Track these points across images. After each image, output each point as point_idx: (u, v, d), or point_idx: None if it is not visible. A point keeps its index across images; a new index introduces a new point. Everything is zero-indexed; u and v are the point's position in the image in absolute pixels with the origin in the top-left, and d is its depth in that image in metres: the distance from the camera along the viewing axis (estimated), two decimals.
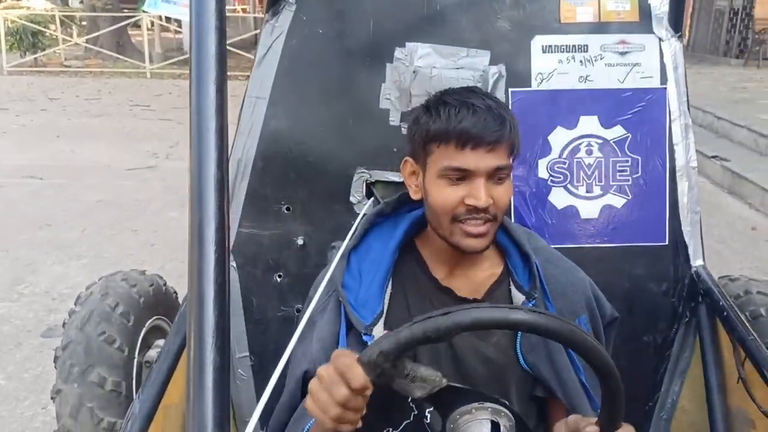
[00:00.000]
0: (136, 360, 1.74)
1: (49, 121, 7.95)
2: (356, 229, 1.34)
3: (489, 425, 0.90)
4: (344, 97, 1.62)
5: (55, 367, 1.68)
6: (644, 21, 1.62)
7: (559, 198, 1.61)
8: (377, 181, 1.61)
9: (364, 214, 1.47)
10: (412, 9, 1.60)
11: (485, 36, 1.60)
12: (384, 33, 1.60)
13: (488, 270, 1.28)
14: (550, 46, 1.61)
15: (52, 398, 1.65)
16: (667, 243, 1.62)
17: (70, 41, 13.66)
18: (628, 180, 1.61)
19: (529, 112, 1.60)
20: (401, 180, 1.57)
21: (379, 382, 0.86)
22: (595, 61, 1.61)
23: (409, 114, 1.59)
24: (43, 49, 12.96)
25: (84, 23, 15.52)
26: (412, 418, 1.11)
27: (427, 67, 1.58)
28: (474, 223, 1.16)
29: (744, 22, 13.91)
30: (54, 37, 13.31)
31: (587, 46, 1.61)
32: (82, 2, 24.25)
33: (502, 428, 0.92)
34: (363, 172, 1.61)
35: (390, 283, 1.24)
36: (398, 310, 1.21)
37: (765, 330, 1.72)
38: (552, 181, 1.61)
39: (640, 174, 1.61)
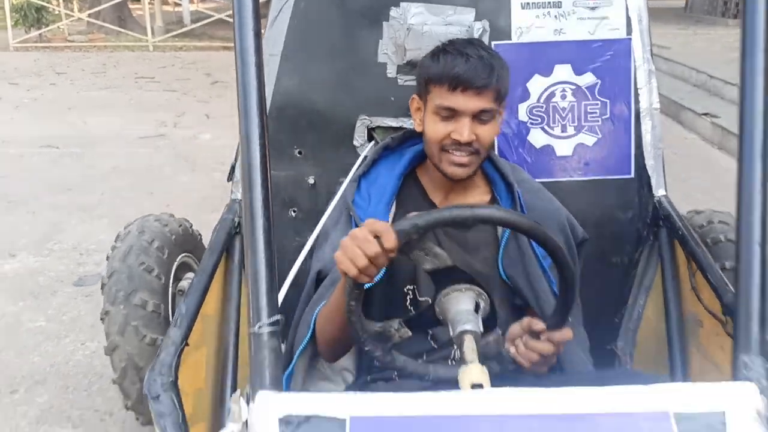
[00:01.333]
0: (170, 289, 1.99)
1: (59, 94, 8.14)
2: (365, 158, 1.58)
3: (472, 302, 1.14)
4: (346, 53, 1.83)
5: (102, 294, 1.93)
6: None
7: (537, 138, 1.83)
8: (377, 127, 1.84)
9: (365, 156, 1.70)
10: None
11: None
12: None
13: (478, 197, 1.51)
14: (528, 3, 1.82)
15: (101, 319, 1.89)
16: (633, 176, 1.84)
17: (73, 16, 13.76)
18: (598, 121, 1.83)
19: (510, 62, 1.79)
20: (398, 125, 1.81)
21: (404, 249, 1.09)
22: (568, 15, 1.82)
23: (405, 66, 1.82)
24: (47, 25, 13.09)
25: None
26: (409, 302, 1.36)
27: (419, 24, 1.79)
28: (458, 154, 1.39)
29: None
30: (57, 12, 13.43)
31: (561, 2, 1.82)
32: None
33: (480, 309, 1.16)
34: (365, 119, 1.83)
35: (394, 204, 1.47)
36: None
37: (724, 253, 1.95)
38: (531, 123, 1.83)
39: (608, 116, 1.83)
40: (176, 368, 1.25)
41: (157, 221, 2.08)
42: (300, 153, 1.86)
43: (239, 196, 1.85)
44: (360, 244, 1.10)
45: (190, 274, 2.06)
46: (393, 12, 1.81)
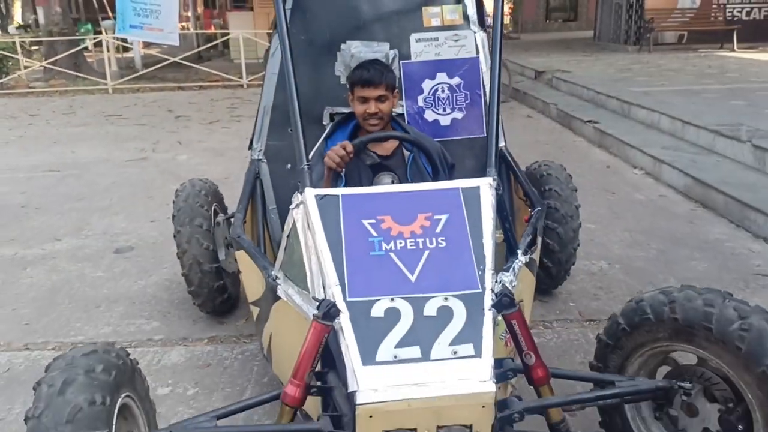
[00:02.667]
0: (213, 220, 3.22)
1: (40, 132, 9.17)
2: (329, 128, 2.88)
3: (389, 178, 2.42)
4: (317, 69, 3.13)
5: (173, 222, 3.14)
6: (465, 23, 3.19)
7: (429, 115, 3.16)
8: (336, 113, 3.13)
9: (329, 128, 3.00)
10: (349, 24, 3.13)
11: (387, 35, 3.15)
12: (335, 36, 3.12)
13: (392, 144, 2.81)
14: (419, 39, 3.16)
15: (174, 236, 3.10)
16: (485, 134, 3.18)
17: (36, 65, 14.69)
18: (463, 105, 3.18)
19: (411, 72, 3.14)
20: (348, 111, 3.12)
21: (356, 153, 2.38)
22: (443, 45, 3.17)
23: (349, 76, 3.13)
24: (7, 74, 14.02)
25: (40, 48, 16.59)
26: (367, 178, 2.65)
27: (357, 52, 3.11)
28: (371, 120, 2.69)
29: (638, 13, 15.88)
30: (17, 61, 14.36)
31: (438, 37, 3.17)
32: (26, 29, 24.93)
33: (394, 181, 2.44)
34: (329, 108, 3.13)
35: None
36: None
37: (537, 175, 3.31)
38: (425, 107, 3.16)
39: (469, 101, 3.18)
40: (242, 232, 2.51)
41: (200, 181, 3.33)
42: (290, 130, 3.14)
43: (257, 156, 3.11)
44: (336, 151, 2.39)
45: (221, 216, 3.30)
46: (342, 46, 3.13)
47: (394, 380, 1.70)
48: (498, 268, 2.01)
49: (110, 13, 28.81)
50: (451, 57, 3.18)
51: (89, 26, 21.77)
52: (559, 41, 19.45)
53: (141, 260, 4.20)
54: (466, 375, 1.71)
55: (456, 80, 3.18)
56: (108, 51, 14.21)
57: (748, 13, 13.90)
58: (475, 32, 3.19)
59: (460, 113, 3.18)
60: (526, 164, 3.56)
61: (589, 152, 6.97)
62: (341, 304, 1.81)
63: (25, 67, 14.68)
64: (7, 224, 5.03)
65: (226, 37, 18.19)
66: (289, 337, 2.19)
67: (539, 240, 2.69)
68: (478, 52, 3.19)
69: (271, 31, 3.30)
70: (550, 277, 3.34)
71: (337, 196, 2.05)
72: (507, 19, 24.33)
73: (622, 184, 5.68)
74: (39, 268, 4.12)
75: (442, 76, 3.17)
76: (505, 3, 2.79)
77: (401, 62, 3.15)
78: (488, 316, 1.81)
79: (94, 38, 15.06)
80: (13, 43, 14.94)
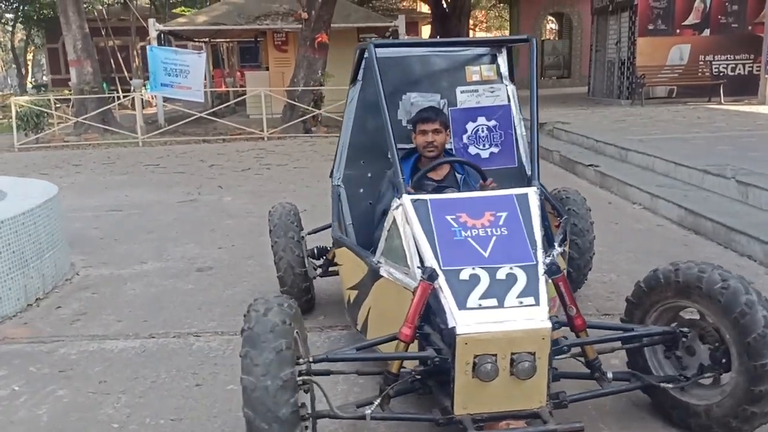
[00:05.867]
0: (300, 232, 4.02)
1: (89, 179, 10.04)
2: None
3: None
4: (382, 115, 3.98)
5: (270, 235, 3.93)
6: (499, 78, 4.06)
7: (472, 150, 4.00)
8: (399, 148, 3.96)
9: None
10: (408, 79, 3.99)
11: (438, 88, 4.01)
12: (397, 89, 3.98)
13: (444, 170, 3.63)
14: (463, 90, 4.03)
15: (272, 246, 3.89)
16: (516, 165, 4.01)
17: (71, 120, 15.68)
18: (498, 142, 4.02)
19: (458, 116, 3.99)
20: (408, 147, 3.96)
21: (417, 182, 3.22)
22: (482, 95, 4.03)
23: (410, 121, 3.99)
24: (43, 129, 15.01)
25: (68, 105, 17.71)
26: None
27: (415, 101, 3.97)
28: (429, 148, 3.52)
29: (630, 69, 17.00)
30: (53, 117, 15.39)
31: (478, 89, 4.04)
32: (41, 88, 26.12)
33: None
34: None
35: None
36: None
37: (564, 198, 4.13)
38: (468, 143, 4.00)
39: (503, 139, 4.02)
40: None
41: (287, 203, 4.15)
42: (363, 162, 3.97)
43: (336, 182, 3.92)
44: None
45: (304, 231, 4.10)
46: (404, 97, 3.99)
47: (481, 319, 2.47)
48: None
49: (126, 73, 30.21)
50: (488, 104, 4.04)
51: (104, 85, 23.03)
52: (555, 96, 20.59)
53: (222, 276, 4.98)
54: (530, 316, 2.49)
55: (493, 122, 4.02)
56: (143, 107, 15.20)
57: (733, 69, 15.03)
58: (506, 85, 4.06)
59: (496, 148, 4.02)
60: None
61: (592, 191, 7.82)
62: (438, 271, 2.59)
63: (58, 123, 15.70)
64: (95, 251, 5.80)
65: (242, 96, 19.30)
66: (388, 306, 2.97)
67: (568, 238, 3.49)
68: (509, 100, 4.05)
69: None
70: (571, 280, 4.12)
71: (426, 200, 2.86)
72: None
73: (623, 217, 6.51)
74: (137, 283, 4.89)
75: (481, 119, 4.01)
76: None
77: (449, 109, 4.00)
78: (542, 279, 2.60)
79: (126, 95, 16.08)
80: (48, 100, 15.98)
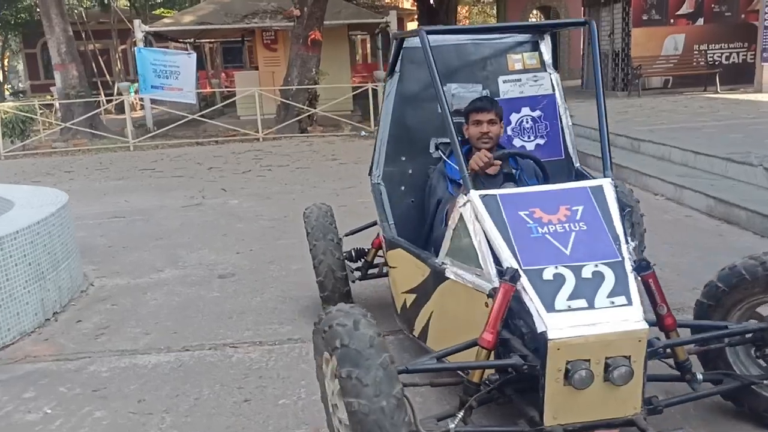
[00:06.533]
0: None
1: (84, 186, 9.71)
2: (447, 154, 3.50)
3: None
4: (424, 107, 3.78)
5: (307, 238, 3.71)
6: (542, 66, 3.87)
7: (516, 142, 3.80)
8: (440, 142, 3.77)
9: (438, 153, 3.63)
10: (448, 69, 3.78)
11: (479, 78, 3.80)
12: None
13: (498, 163, 3.44)
14: (506, 80, 3.83)
15: (310, 250, 3.67)
16: (563, 157, 3.82)
17: (58, 125, 15.28)
18: (544, 133, 3.82)
19: (502, 107, 3.79)
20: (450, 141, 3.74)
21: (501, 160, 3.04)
22: (525, 84, 3.84)
23: (453, 113, 3.78)
24: (29, 136, 14.60)
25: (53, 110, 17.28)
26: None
27: (456, 92, 3.77)
28: (483, 139, 3.32)
29: (624, 61, 16.91)
30: (39, 123, 14.98)
31: (521, 78, 3.84)
32: (19, 95, 25.58)
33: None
34: (434, 139, 3.76)
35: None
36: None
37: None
38: (513, 135, 3.80)
39: (549, 130, 3.83)
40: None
41: (323, 204, 3.93)
42: (403, 158, 3.76)
43: (376, 180, 3.70)
44: (481, 158, 3.01)
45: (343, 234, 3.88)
46: (443, 88, 3.77)
47: (572, 322, 2.28)
48: None
49: (108, 76, 29.71)
50: (532, 94, 3.84)
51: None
52: None
53: (246, 282, 4.74)
54: (625, 317, 2.30)
55: (537, 113, 3.83)
56: (133, 110, 14.85)
57: (728, 58, 15.01)
58: (550, 74, 3.87)
59: (542, 140, 3.83)
60: None
61: None
62: (520, 271, 2.39)
63: (44, 129, 15.30)
64: (105, 260, 5.54)
65: (231, 98, 18.92)
66: (454, 310, 2.77)
67: (637, 231, 3.31)
68: (553, 89, 3.86)
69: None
70: None
71: (495, 195, 2.66)
72: None
73: (649, 208, 6.32)
74: (158, 293, 4.64)
75: (525, 110, 3.82)
76: None
77: None
78: (632, 276, 2.41)
79: (116, 99, 15.71)
80: (33, 106, 15.57)
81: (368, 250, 3.97)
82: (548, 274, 2.41)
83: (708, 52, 15.03)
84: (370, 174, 3.81)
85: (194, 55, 15.30)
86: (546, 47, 3.89)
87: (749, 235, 5.23)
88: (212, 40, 24.29)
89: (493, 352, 2.46)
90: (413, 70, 3.78)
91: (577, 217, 2.60)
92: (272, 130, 14.30)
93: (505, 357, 2.44)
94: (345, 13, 17.63)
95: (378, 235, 3.93)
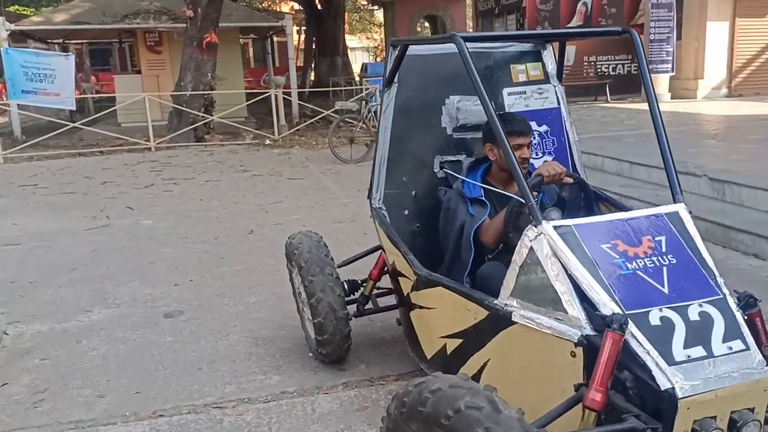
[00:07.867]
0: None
1: None
2: (464, 173, 3.12)
3: (558, 214, 2.70)
4: (425, 122, 3.37)
5: (300, 273, 3.18)
6: (546, 78, 3.59)
7: None
8: (445, 161, 3.38)
9: (444, 173, 3.24)
10: (449, 81, 3.41)
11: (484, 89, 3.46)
12: (439, 93, 3.39)
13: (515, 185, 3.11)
14: (510, 92, 3.51)
15: (306, 286, 3.14)
16: (570, 170, 3.56)
17: None
18: (551, 149, 3.54)
19: None
20: (455, 159, 3.37)
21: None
22: (530, 97, 3.54)
23: (457, 128, 3.40)
24: None
25: None
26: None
27: (461, 105, 3.40)
28: (525, 165, 2.98)
29: None
30: None
31: (525, 91, 3.54)
32: None
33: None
34: (438, 157, 3.37)
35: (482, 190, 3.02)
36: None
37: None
38: None
39: (556, 145, 3.55)
40: None
41: (312, 233, 3.40)
42: (405, 179, 3.33)
43: (377, 204, 3.25)
44: (554, 166, 2.66)
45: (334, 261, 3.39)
46: (446, 101, 3.40)
47: (697, 376, 1.97)
48: None
49: None
50: (538, 107, 3.55)
51: None
52: None
53: (201, 322, 4.10)
54: (746, 365, 2.02)
55: (544, 128, 3.54)
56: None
57: (614, 69, 15.74)
58: (554, 86, 3.59)
59: (549, 156, 3.54)
60: None
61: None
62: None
63: None
64: (12, 301, 4.65)
65: (109, 105, 17.46)
66: (523, 360, 2.38)
67: None
68: (559, 103, 3.59)
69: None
70: None
71: (570, 226, 2.31)
72: None
73: None
74: (95, 340, 3.89)
75: (533, 125, 3.51)
76: None
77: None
78: (739, 315, 2.14)
79: None
80: None
81: (363, 282, 3.50)
82: (654, 317, 2.10)
83: (597, 63, 15.68)
84: (369, 197, 3.35)
85: (72, 57, 13.90)
86: (549, 57, 3.61)
87: (710, 246, 5.24)
88: (87, 41, 22.46)
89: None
90: (413, 83, 3.38)
91: (663, 249, 2.30)
92: (165, 139, 13.26)
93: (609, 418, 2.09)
94: (237, 15, 16.80)
95: (376, 265, 3.49)
